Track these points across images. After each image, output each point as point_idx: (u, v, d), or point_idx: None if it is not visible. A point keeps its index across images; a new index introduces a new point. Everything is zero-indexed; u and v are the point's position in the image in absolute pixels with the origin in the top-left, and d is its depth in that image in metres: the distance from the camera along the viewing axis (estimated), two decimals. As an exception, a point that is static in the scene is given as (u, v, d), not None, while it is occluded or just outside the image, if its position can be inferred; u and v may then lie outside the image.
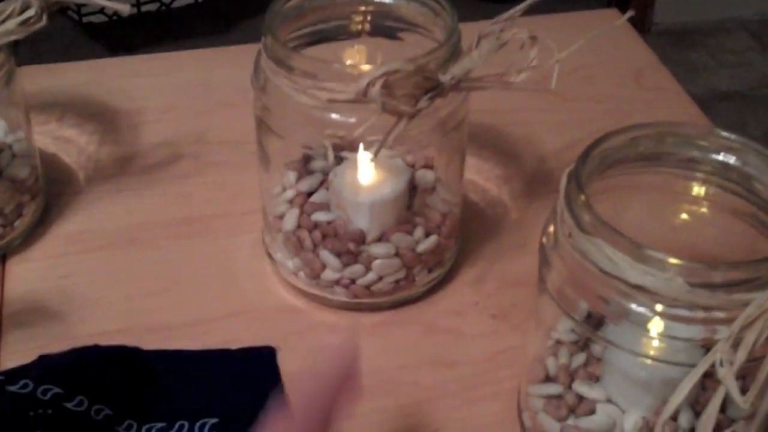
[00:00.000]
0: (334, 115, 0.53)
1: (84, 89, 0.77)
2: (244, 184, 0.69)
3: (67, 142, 0.72)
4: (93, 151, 0.72)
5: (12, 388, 0.51)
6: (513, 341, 0.59)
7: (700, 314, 0.42)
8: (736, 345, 0.40)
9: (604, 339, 0.47)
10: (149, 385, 0.55)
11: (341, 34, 0.58)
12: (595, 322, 0.51)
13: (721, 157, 0.48)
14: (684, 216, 0.50)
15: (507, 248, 0.65)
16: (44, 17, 0.54)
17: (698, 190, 0.49)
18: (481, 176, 0.70)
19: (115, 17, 1.61)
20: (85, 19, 1.65)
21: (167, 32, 1.70)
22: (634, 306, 0.43)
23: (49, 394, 0.51)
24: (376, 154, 0.51)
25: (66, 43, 1.66)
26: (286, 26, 0.56)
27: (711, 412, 0.40)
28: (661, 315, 0.43)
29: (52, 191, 0.68)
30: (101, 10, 1.58)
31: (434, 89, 0.51)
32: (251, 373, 0.55)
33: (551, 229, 0.48)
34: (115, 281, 0.62)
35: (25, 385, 0.51)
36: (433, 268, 0.61)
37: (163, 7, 1.58)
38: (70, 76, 0.79)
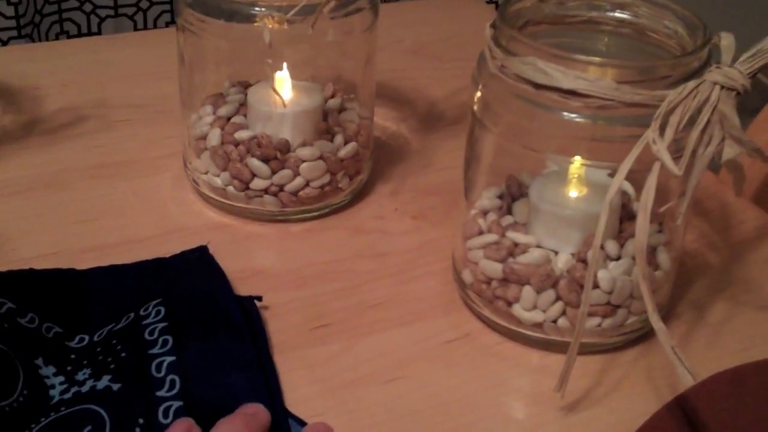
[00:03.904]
0: (260, 9, 0.57)
1: (-24, 73, 0.78)
2: (154, 136, 0.71)
3: (-33, 114, 0.72)
4: (-4, 119, 0.72)
5: None
6: (435, 235, 0.63)
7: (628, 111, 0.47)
8: (663, 128, 0.46)
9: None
10: (91, 300, 0.55)
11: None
12: (515, 189, 0.56)
13: (617, 13, 0.54)
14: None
15: (415, 168, 0.70)
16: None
17: (600, 46, 0.55)
18: (379, 117, 0.74)
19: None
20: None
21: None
22: (565, 114, 0.48)
23: (4, 308, 0.51)
24: (313, 25, 0.54)
25: None
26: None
27: (650, 185, 0.45)
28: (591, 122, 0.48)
29: (-39, 151, 0.68)
30: None
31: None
32: (189, 266, 0.56)
33: (478, 91, 0.52)
34: (42, 215, 0.62)
35: None
36: (353, 176, 0.64)
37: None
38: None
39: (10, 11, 1.70)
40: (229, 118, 0.64)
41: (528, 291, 0.53)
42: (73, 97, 0.75)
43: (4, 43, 1.76)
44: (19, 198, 0.64)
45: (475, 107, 0.52)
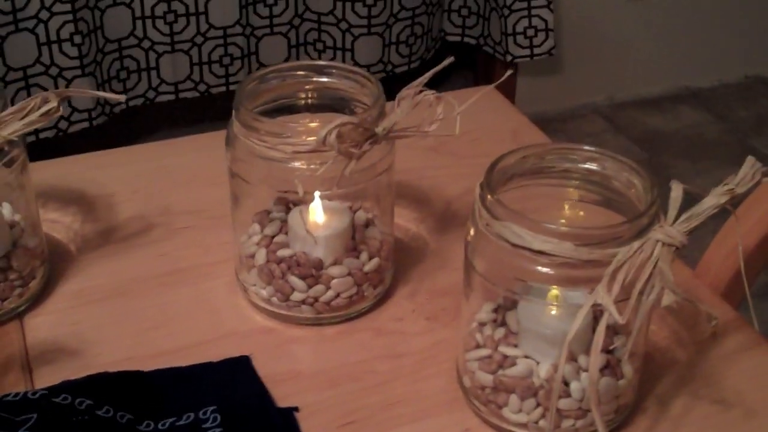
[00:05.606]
0: (296, 164, 0.69)
1: (58, 181, 0.91)
2: (210, 243, 0.84)
3: (54, 223, 0.86)
4: (78, 228, 0.86)
5: (56, 400, 0.64)
6: (445, 335, 0.75)
7: (584, 272, 0.59)
8: (611, 284, 0.57)
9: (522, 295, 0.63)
10: (154, 395, 0.68)
11: (293, 107, 0.75)
12: (509, 302, 0.68)
13: (587, 165, 0.66)
14: (565, 211, 0.67)
15: (431, 269, 0.82)
16: (61, 108, 0.68)
17: (573, 191, 0.67)
18: (401, 219, 0.86)
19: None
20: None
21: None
22: (538, 268, 0.60)
23: (84, 405, 0.65)
24: (338, 184, 0.67)
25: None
26: (251, 102, 0.72)
27: (600, 330, 0.57)
28: (557, 277, 0.60)
29: (51, 260, 0.81)
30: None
31: (372, 137, 0.68)
32: (233, 375, 0.70)
33: (471, 232, 0.64)
34: (117, 324, 0.76)
35: (65, 398, 0.65)
36: (377, 285, 0.77)
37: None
38: (41, 172, 0.93)
39: (74, 52, 1.86)
40: (273, 237, 0.76)
41: (514, 398, 0.65)
42: (141, 205, 0.89)
43: (69, 82, 1.92)
44: (99, 305, 0.77)
45: (467, 249, 0.64)
